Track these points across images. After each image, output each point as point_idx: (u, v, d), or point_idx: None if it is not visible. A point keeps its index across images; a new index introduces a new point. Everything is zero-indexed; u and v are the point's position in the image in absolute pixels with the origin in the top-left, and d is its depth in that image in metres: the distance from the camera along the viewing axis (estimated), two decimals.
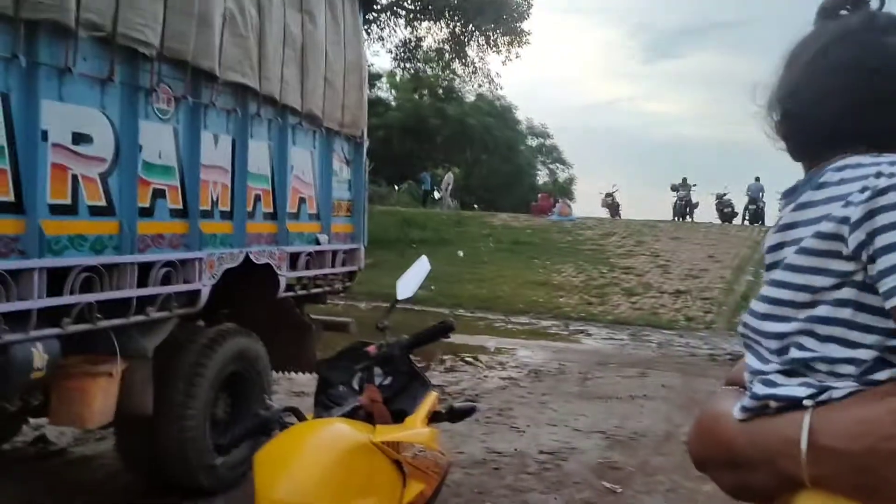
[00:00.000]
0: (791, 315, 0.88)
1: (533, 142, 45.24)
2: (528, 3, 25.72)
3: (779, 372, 0.89)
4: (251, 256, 4.51)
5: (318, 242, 5.30)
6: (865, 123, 0.93)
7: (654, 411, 7.22)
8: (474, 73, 30.20)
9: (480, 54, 28.21)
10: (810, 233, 0.87)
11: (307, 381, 6.00)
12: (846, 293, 0.84)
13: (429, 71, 33.38)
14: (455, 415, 2.46)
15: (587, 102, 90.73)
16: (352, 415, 2.27)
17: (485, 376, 8.67)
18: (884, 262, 0.79)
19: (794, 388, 0.86)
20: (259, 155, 4.64)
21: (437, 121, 34.69)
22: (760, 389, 0.90)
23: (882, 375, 0.82)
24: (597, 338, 12.49)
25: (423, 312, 13.34)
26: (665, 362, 10.30)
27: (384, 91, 36.49)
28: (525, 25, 26.40)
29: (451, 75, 34.79)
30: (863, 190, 0.83)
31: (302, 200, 5.14)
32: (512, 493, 4.85)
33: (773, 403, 0.88)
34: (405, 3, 25.52)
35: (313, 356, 5.29)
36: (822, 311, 0.85)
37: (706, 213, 26.29)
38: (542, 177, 44.54)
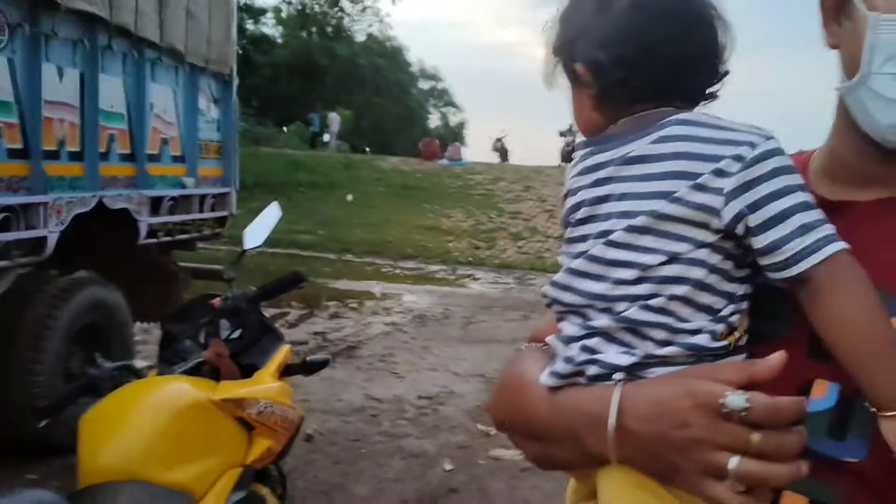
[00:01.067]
0: (626, 277, 0.81)
1: (425, 85, 44.89)
2: None
3: (600, 336, 0.82)
4: (106, 201, 4.21)
5: (182, 186, 5.02)
6: (685, 79, 0.87)
7: None
8: (363, 11, 29.54)
9: None
10: (656, 191, 0.80)
11: None
12: (703, 259, 0.78)
13: (316, 8, 32.35)
14: (308, 368, 2.36)
15: (480, 46, 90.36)
16: (196, 371, 2.13)
17: (369, 322, 8.61)
18: (775, 233, 0.76)
19: (615, 355, 0.80)
20: (113, 91, 4.30)
21: (326, 60, 33.73)
22: (578, 355, 0.83)
23: (714, 344, 0.78)
24: (483, 282, 12.63)
25: (311, 258, 13.16)
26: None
27: (269, 27, 35.09)
28: None
29: (339, 13, 33.88)
30: (734, 158, 0.77)
31: (164, 141, 4.83)
32: (388, 439, 4.84)
33: (590, 370, 0.81)
34: None
35: None
36: (670, 272, 0.79)
37: None
38: (434, 120, 44.38)
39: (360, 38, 36.21)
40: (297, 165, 21.28)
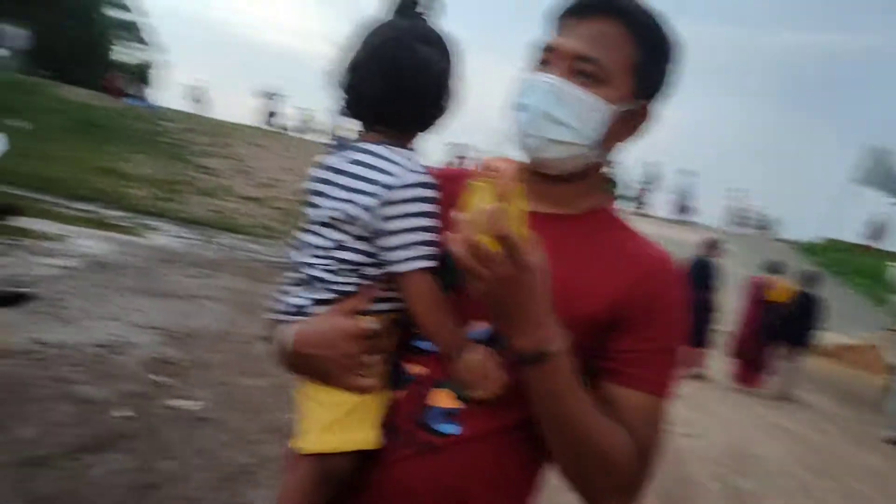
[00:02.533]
0: (316, 253, 1.22)
1: (115, 14, 41.26)
2: None
3: (297, 287, 1.24)
4: None
5: None
6: (391, 112, 1.23)
7: (214, 311, 7.47)
8: None
9: None
10: (340, 198, 1.19)
11: None
12: (358, 247, 1.20)
13: None
14: (4, 299, 2.38)
15: None
16: None
17: (36, 262, 8.02)
18: (390, 242, 1.17)
19: (300, 300, 1.23)
20: None
21: None
22: (284, 300, 1.25)
23: (350, 288, 1.21)
24: (166, 234, 12.27)
25: None
26: (232, 265, 10.60)
27: None
28: None
29: None
30: (382, 185, 1.16)
31: None
32: (56, 384, 4.70)
33: (287, 309, 1.24)
34: None
35: None
36: (338, 254, 1.20)
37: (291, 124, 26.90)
38: (124, 56, 40.99)
39: None
40: None
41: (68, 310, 6.39)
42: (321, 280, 1.21)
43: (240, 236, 13.48)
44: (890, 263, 22.90)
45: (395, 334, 1.21)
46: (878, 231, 25.82)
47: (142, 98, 23.42)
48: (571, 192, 1.26)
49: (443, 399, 1.18)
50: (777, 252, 22.34)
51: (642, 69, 1.19)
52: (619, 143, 1.24)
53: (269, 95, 26.28)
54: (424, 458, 1.17)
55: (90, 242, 9.93)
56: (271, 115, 25.96)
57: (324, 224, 1.21)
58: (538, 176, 1.25)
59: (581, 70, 1.17)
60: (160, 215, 13.86)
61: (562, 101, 1.17)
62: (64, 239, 9.75)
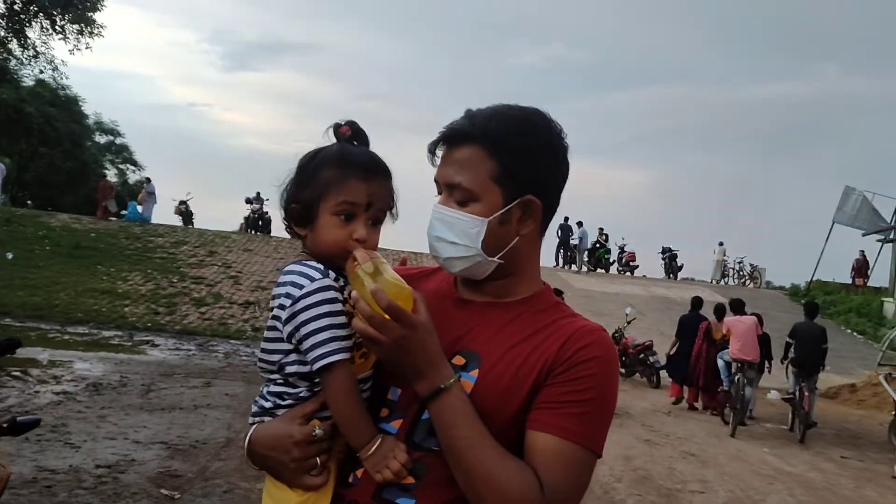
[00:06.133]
0: (272, 360, 1.37)
1: (102, 139, 42.24)
2: None
3: (264, 392, 1.40)
4: None
5: None
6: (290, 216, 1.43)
7: (217, 420, 7.55)
8: (35, 57, 27.37)
9: (44, 38, 25.85)
10: (272, 310, 1.36)
11: None
12: (293, 357, 1.34)
13: None
14: (17, 428, 2.53)
15: (163, 103, 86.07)
16: None
17: (36, 391, 8.14)
18: (305, 345, 1.30)
19: (263, 402, 1.40)
20: None
21: None
22: (260, 402, 1.41)
23: (305, 394, 1.36)
24: (163, 348, 12.37)
25: None
26: (231, 372, 10.69)
27: None
28: (98, 17, 24.91)
29: (4, 54, 30.96)
30: (287, 296, 1.32)
31: None
32: None
33: (254, 410, 1.41)
34: None
35: None
36: (284, 365, 1.35)
37: (278, 227, 27.18)
38: (112, 177, 41.78)
39: (29, 83, 33.28)
40: None
41: (71, 434, 6.49)
42: (282, 388, 1.37)
43: (236, 342, 13.59)
44: (885, 298, 23.12)
45: (340, 436, 1.33)
46: (863, 269, 26.12)
47: (131, 213, 23.81)
48: (505, 284, 1.42)
49: None
50: (766, 299, 22.54)
51: (507, 176, 1.35)
52: (521, 236, 1.40)
53: (254, 201, 26.63)
54: None
55: (88, 365, 10.05)
56: (258, 219, 26.25)
57: (267, 341, 1.37)
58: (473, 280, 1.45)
59: (454, 194, 1.37)
60: (157, 329, 13.99)
61: (446, 225, 1.38)
62: (62, 364, 9.87)
